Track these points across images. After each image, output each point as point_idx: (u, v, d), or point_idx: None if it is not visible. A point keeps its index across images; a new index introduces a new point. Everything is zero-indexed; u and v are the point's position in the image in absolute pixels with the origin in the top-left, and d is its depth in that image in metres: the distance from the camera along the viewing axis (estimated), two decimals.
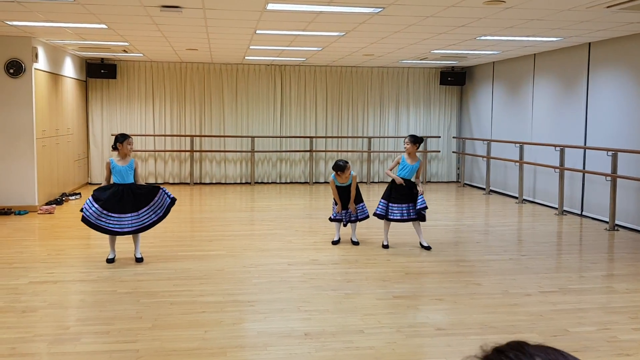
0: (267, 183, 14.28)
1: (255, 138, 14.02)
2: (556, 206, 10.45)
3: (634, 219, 8.87)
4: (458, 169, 14.88)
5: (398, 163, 7.50)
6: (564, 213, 10.23)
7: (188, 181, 13.93)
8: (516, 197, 11.85)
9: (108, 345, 4.29)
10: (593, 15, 7.13)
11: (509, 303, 5.37)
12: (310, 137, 14.22)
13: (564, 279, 6.23)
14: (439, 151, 14.79)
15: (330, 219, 7.85)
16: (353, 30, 8.50)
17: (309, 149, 14.18)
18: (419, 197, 7.32)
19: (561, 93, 10.65)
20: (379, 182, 14.56)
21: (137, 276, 6.12)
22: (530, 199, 11.61)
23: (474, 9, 6.79)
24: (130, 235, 6.77)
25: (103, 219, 6.39)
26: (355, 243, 7.67)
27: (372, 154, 14.52)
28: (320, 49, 10.77)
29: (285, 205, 11.21)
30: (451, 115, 14.93)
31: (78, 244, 7.77)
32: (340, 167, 7.44)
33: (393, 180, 7.44)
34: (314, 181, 14.36)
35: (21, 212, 9.77)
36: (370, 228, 8.38)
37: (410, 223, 7.57)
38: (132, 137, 6.88)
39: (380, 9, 6.85)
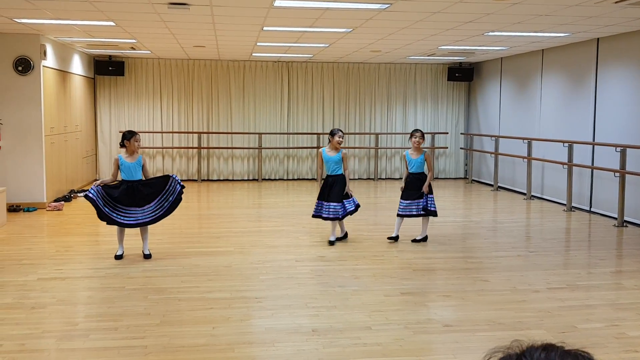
0: (275, 180, 14.29)
1: (263, 135, 14.03)
2: (564, 202, 10.40)
3: None
4: (466, 165, 14.84)
5: (406, 162, 7.65)
6: (573, 209, 10.18)
7: (195, 178, 13.96)
8: (524, 194, 11.81)
9: (116, 341, 4.31)
10: (601, 10, 7.09)
11: (517, 299, 5.36)
12: (318, 134, 14.21)
13: (572, 275, 6.22)
14: (447, 147, 14.74)
15: (314, 216, 7.67)
16: (360, 27, 8.48)
17: (316, 145, 14.17)
18: (430, 198, 7.43)
19: (569, 89, 10.59)
20: (386, 178, 14.55)
21: (145, 273, 6.15)
22: (539, 195, 11.56)
23: (482, 4, 6.76)
24: (139, 232, 6.81)
25: (116, 212, 6.43)
26: (331, 243, 7.42)
27: (379, 150, 14.50)
28: (327, 45, 10.75)
29: (293, 202, 11.22)
30: (459, 112, 14.88)
31: (86, 241, 7.81)
32: (331, 131, 7.71)
33: (406, 179, 7.57)
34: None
35: (30, 209, 9.82)
36: (378, 224, 8.37)
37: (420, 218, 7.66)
38: (140, 134, 6.91)
39: (387, 5, 6.83)
